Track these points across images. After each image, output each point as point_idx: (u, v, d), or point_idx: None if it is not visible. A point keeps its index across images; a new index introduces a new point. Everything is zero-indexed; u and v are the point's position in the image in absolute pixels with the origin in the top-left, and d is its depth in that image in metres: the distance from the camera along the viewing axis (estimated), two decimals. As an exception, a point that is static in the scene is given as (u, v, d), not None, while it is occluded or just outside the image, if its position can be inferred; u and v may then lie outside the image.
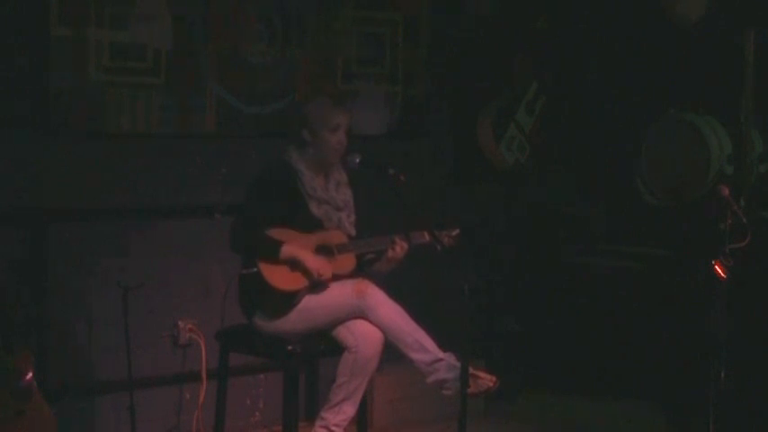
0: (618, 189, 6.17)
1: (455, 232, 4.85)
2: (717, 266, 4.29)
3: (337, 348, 4.65)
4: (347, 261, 4.74)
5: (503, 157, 6.19)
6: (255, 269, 4.56)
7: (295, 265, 4.60)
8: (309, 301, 4.63)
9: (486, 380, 4.62)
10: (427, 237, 4.73)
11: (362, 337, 4.59)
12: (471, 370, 4.47)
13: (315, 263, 4.60)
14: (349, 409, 4.65)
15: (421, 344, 4.62)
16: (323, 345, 4.69)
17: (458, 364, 4.47)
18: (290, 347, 4.58)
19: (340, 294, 4.64)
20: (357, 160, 4.75)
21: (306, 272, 4.60)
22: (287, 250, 4.58)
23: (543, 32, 6.27)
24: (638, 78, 6.12)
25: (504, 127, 6.17)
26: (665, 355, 5.63)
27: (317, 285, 4.63)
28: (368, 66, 5.89)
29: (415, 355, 4.63)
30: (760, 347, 5.23)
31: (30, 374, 4.27)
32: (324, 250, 4.70)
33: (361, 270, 4.84)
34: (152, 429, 5.18)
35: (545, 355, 6.22)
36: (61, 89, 4.94)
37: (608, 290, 6.00)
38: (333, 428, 4.65)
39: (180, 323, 5.29)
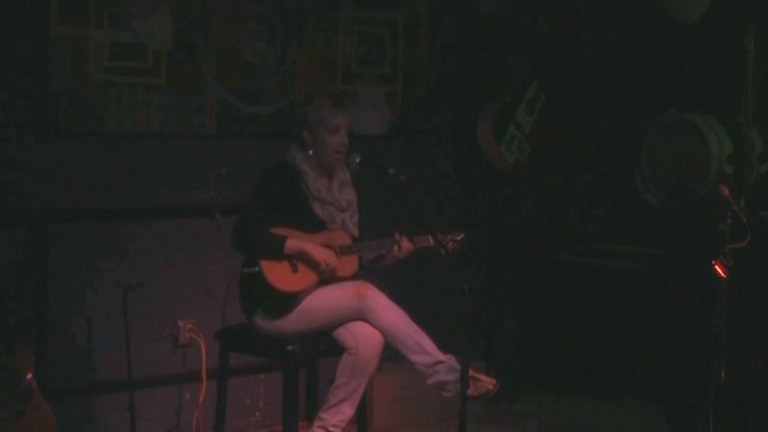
0: (618, 189, 6.17)
1: (459, 237, 4.84)
2: (717, 266, 4.29)
3: (337, 348, 4.65)
4: (350, 263, 4.74)
5: (503, 157, 6.19)
6: (257, 268, 4.56)
7: (301, 259, 4.59)
8: (310, 303, 4.63)
9: (486, 382, 4.61)
10: (431, 241, 4.73)
11: (362, 339, 4.59)
12: (472, 372, 4.47)
13: (320, 253, 4.60)
14: (347, 410, 4.65)
15: (421, 346, 4.62)
16: (323, 345, 4.69)
17: (458, 367, 4.47)
18: (290, 347, 4.58)
19: (340, 296, 4.64)
20: (357, 160, 4.75)
21: (313, 264, 4.60)
22: (292, 244, 4.57)
23: (543, 32, 6.27)
24: (638, 78, 6.12)
25: (504, 127, 6.17)
26: (666, 355, 5.63)
27: (327, 277, 4.62)
28: (368, 66, 5.89)
29: (415, 358, 4.63)
30: (760, 347, 5.23)
31: (30, 374, 4.27)
32: (326, 251, 4.71)
33: (363, 269, 4.84)
34: (152, 429, 5.18)
35: (545, 355, 6.22)
36: (61, 89, 4.94)
37: (608, 290, 6.00)
38: (331, 429, 4.64)
39: (180, 323, 5.29)
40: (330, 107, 4.76)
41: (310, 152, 4.74)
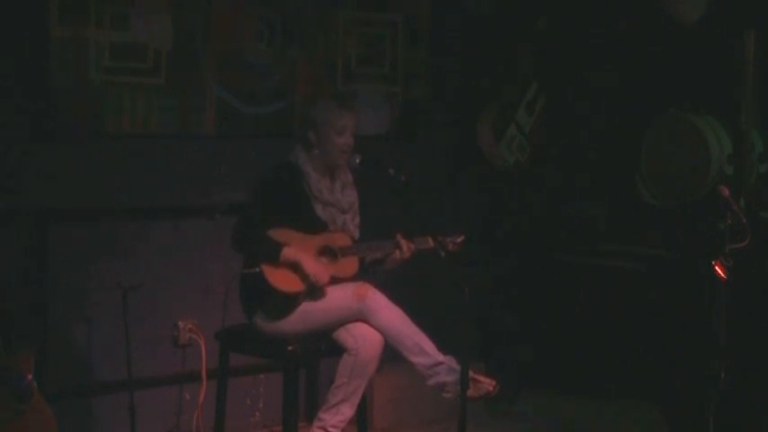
0: (618, 189, 6.17)
1: (459, 239, 4.83)
2: (717, 266, 4.29)
3: (337, 349, 4.65)
4: (350, 264, 4.74)
5: (503, 157, 6.19)
6: (258, 269, 4.56)
7: (295, 267, 4.59)
8: (310, 304, 4.63)
9: (485, 383, 4.62)
10: (431, 242, 4.73)
11: (362, 340, 4.59)
12: (471, 373, 4.47)
13: (313, 268, 4.60)
14: (347, 411, 4.65)
15: (421, 347, 4.62)
16: (323, 345, 4.69)
17: (458, 368, 4.47)
18: (290, 347, 4.59)
19: (341, 297, 4.64)
20: (357, 160, 4.76)
21: (304, 276, 4.59)
22: (287, 253, 4.57)
23: (543, 32, 6.27)
24: (638, 78, 6.12)
25: (504, 127, 6.17)
26: (665, 355, 5.63)
27: (314, 290, 4.62)
28: (368, 66, 5.89)
29: (415, 359, 4.63)
30: (760, 348, 5.23)
31: (30, 375, 4.27)
32: (327, 252, 4.70)
33: (364, 272, 4.84)
34: (152, 429, 5.18)
35: (545, 355, 6.22)
36: (61, 89, 4.94)
37: (608, 290, 6.00)
38: (330, 429, 4.65)
39: (180, 323, 5.29)
40: (337, 108, 4.76)
41: (317, 152, 4.73)
